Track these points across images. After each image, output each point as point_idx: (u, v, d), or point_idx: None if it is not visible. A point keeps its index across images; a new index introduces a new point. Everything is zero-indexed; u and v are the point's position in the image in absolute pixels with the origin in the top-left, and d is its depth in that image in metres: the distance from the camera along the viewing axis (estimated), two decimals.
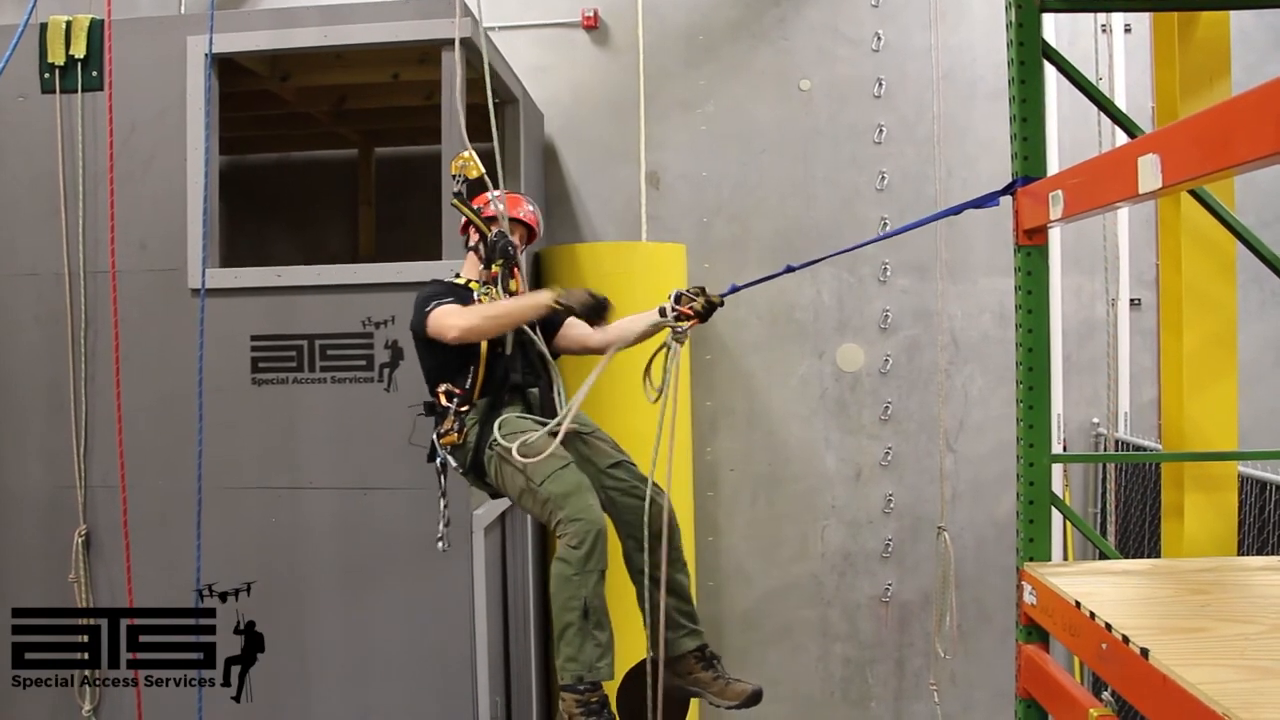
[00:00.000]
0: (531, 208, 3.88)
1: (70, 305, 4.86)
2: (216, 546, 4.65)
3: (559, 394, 3.63)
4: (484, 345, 3.58)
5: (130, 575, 4.62)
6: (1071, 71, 3.07)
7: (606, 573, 3.33)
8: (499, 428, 3.49)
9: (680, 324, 3.34)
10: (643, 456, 3.52)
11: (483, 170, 3.71)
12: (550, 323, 3.75)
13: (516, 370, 3.62)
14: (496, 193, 3.72)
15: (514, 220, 3.78)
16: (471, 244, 3.77)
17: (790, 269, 3.59)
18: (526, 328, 3.62)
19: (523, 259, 3.81)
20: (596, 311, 3.41)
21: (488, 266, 3.68)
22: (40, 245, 4.89)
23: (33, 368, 4.93)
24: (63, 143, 4.85)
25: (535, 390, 3.64)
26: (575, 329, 3.76)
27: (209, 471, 4.55)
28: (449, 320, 3.45)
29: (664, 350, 3.38)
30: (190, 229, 4.78)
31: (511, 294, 3.63)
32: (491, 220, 3.70)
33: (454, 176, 3.77)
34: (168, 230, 4.83)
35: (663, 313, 3.38)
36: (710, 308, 3.35)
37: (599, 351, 3.70)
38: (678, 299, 3.35)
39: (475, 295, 3.66)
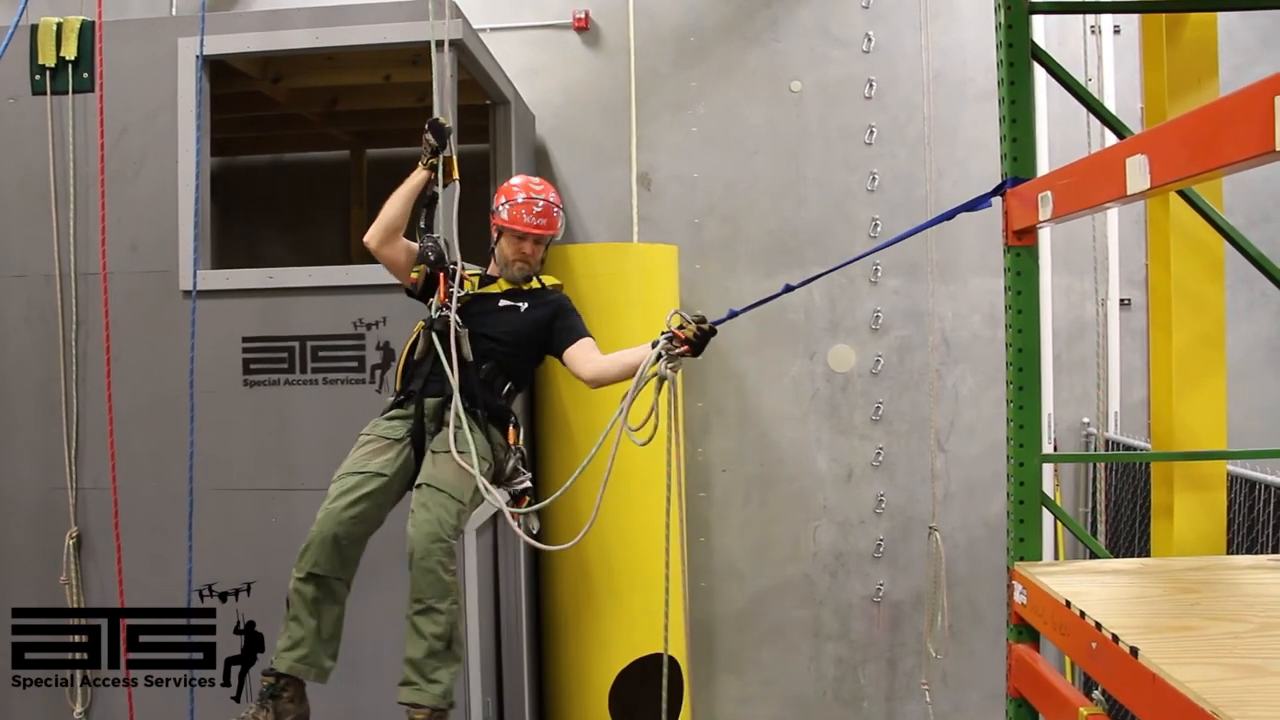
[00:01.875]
0: (545, 209, 3.81)
1: (61, 307, 4.85)
2: (208, 548, 4.64)
3: (455, 412, 3.47)
4: (403, 352, 3.73)
5: (122, 577, 4.60)
6: (1061, 73, 3.09)
7: (320, 579, 3.42)
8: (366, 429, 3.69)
9: (674, 346, 3.17)
10: (623, 488, 3.48)
11: (455, 178, 3.77)
12: (554, 340, 3.79)
13: (419, 378, 3.67)
14: (513, 189, 3.79)
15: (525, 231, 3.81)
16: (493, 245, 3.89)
17: (789, 288, 3.47)
18: (435, 340, 3.60)
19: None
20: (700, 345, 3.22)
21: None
22: (31, 247, 4.88)
23: (23, 369, 4.92)
24: (53, 144, 4.84)
25: (435, 400, 3.64)
26: (577, 353, 3.74)
27: (200, 473, 4.54)
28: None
29: (655, 381, 3.20)
30: (182, 230, 4.77)
31: (444, 300, 3.67)
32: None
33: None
34: (159, 232, 4.82)
35: (655, 344, 3.24)
36: (702, 336, 3.19)
37: (589, 384, 3.69)
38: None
39: (458, 276, 3.75)
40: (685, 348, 3.18)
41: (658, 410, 3.24)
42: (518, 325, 3.79)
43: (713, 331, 3.23)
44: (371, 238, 3.77)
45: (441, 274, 3.70)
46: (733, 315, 3.39)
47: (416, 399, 3.64)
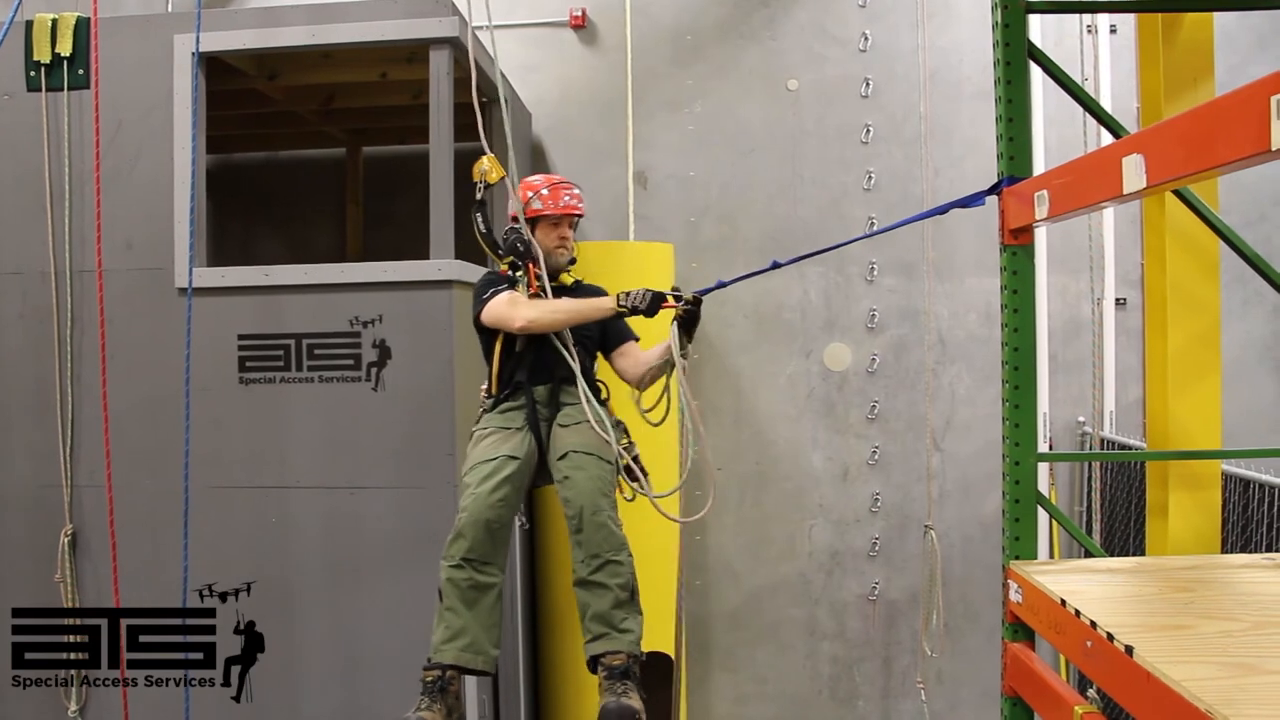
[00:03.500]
0: (576, 192, 3.87)
1: (56, 304, 4.84)
2: (203, 546, 4.64)
3: (583, 391, 3.61)
4: (498, 344, 3.69)
5: (117, 575, 4.60)
6: (1057, 72, 3.09)
7: (476, 564, 3.36)
8: (475, 423, 3.68)
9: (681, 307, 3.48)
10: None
11: (504, 172, 3.76)
12: (609, 338, 3.83)
13: (525, 368, 3.68)
14: (535, 184, 3.81)
15: (561, 214, 3.81)
16: (526, 240, 3.83)
17: (776, 265, 3.60)
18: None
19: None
20: (654, 309, 3.46)
21: (511, 266, 3.79)
22: (26, 244, 4.87)
23: (18, 367, 4.91)
24: (48, 141, 4.83)
25: (544, 387, 3.68)
26: (631, 351, 3.84)
27: (196, 471, 4.53)
28: (515, 310, 3.57)
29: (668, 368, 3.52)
30: (177, 228, 4.76)
31: (536, 290, 3.69)
32: (516, 220, 3.78)
33: (475, 183, 3.81)
34: (154, 229, 4.82)
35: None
36: (685, 303, 3.46)
37: (635, 383, 3.81)
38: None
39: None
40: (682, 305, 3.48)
41: (669, 393, 3.56)
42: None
43: (693, 300, 3.50)
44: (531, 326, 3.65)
45: (530, 263, 3.73)
46: (721, 285, 3.65)
47: (525, 389, 3.67)
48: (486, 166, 3.79)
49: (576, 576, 3.44)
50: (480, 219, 3.85)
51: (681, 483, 3.80)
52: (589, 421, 3.56)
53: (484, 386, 3.80)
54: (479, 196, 3.82)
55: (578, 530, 3.41)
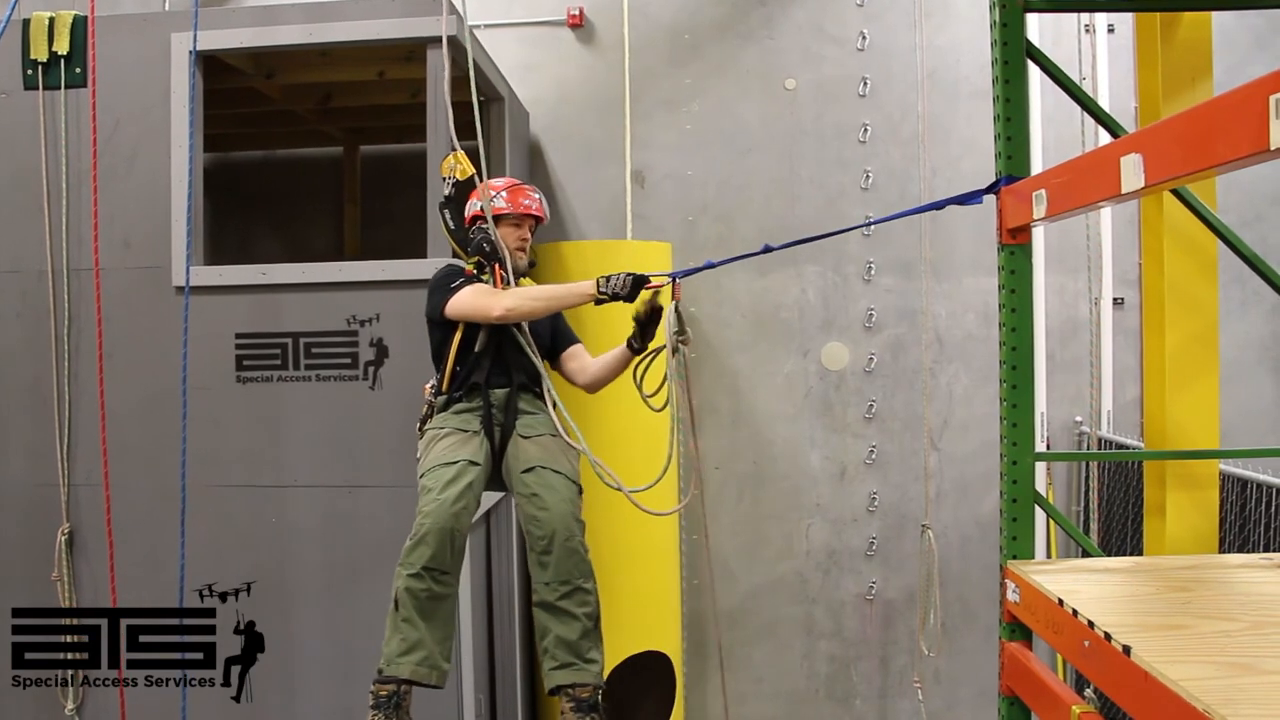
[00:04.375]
0: (536, 196, 3.87)
1: (53, 302, 4.83)
2: (201, 545, 4.63)
3: (550, 396, 3.63)
4: (455, 340, 3.65)
5: (114, 574, 4.60)
6: (1055, 71, 3.09)
7: (436, 574, 3.30)
8: (426, 421, 3.69)
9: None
10: (624, 459, 3.54)
11: (472, 169, 3.74)
12: (558, 341, 3.83)
13: (482, 369, 3.65)
14: (497, 185, 3.77)
15: (521, 215, 3.80)
16: (483, 242, 3.82)
17: (768, 248, 3.55)
18: (515, 328, 3.63)
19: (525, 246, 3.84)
20: (634, 294, 3.44)
21: (477, 266, 3.77)
22: (23, 242, 4.86)
23: (15, 365, 4.91)
24: (46, 140, 4.82)
25: (502, 391, 3.64)
26: (579, 353, 3.84)
27: (193, 470, 4.53)
28: (493, 299, 3.53)
29: (665, 352, 3.49)
30: (174, 226, 4.76)
31: (502, 289, 3.67)
32: (478, 219, 3.75)
33: (444, 179, 3.80)
34: (152, 228, 4.81)
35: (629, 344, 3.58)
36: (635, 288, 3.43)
37: (587, 388, 3.80)
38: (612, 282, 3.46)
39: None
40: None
41: (672, 375, 3.49)
42: (544, 320, 3.82)
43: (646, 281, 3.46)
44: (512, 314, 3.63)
45: (496, 264, 3.72)
46: (710, 266, 3.62)
47: (482, 391, 3.63)
48: (454, 163, 3.78)
49: (541, 599, 3.42)
50: (448, 215, 3.85)
51: (663, 474, 3.63)
52: (550, 434, 3.57)
53: (430, 384, 3.75)
54: (447, 193, 3.81)
55: (546, 552, 3.39)
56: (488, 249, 3.72)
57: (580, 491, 3.55)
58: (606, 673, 3.66)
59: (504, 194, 3.79)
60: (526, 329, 3.66)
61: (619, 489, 3.53)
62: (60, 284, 4.83)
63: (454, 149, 3.79)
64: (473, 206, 3.86)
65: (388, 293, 4.71)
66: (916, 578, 6.46)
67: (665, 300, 3.53)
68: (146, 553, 4.74)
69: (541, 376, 3.66)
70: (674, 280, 3.50)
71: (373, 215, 6.83)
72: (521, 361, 3.66)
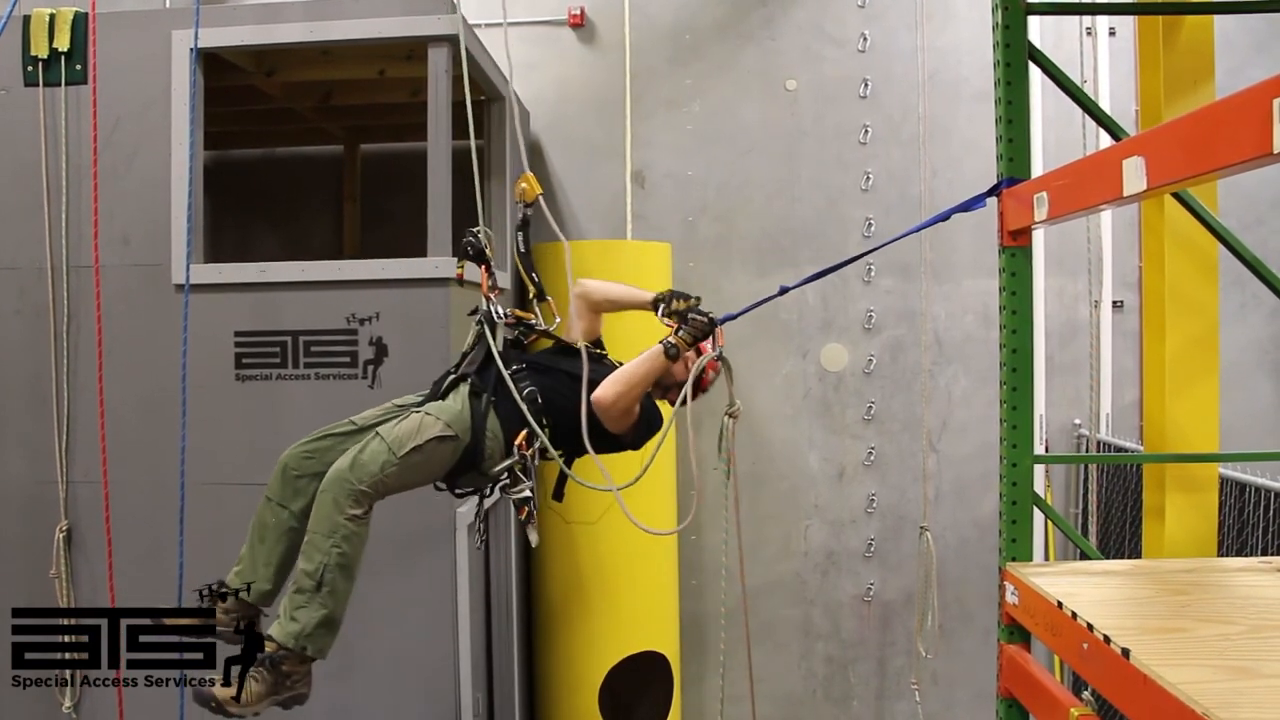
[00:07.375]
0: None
1: (53, 300, 4.82)
2: (200, 543, 4.62)
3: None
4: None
5: (112, 571, 4.59)
6: (1057, 74, 3.09)
7: (272, 504, 3.57)
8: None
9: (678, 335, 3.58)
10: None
11: (540, 189, 3.73)
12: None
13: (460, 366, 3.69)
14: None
15: None
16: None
17: (784, 290, 3.60)
18: (487, 331, 3.62)
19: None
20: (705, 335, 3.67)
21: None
22: (23, 239, 4.86)
23: (14, 362, 4.90)
24: (46, 137, 4.81)
25: (451, 378, 3.67)
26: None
27: (192, 468, 4.52)
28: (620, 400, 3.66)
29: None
30: (174, 224, 4.75)
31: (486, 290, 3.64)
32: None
33: (517, 203, 3.76)
34: (151, 225, 4.81)
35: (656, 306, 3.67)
36: (700, 322, 3.61)
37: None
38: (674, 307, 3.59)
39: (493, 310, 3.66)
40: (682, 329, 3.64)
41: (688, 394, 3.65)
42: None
43: (711, 320, 3.69)
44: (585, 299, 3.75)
45: (483, 267, 3.70)
46: (729, 319, 3.73)
47: (456, 383, 3.64)
48: (524, 186, 3.73)
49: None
50: (521, 239, 3.82)
51: (644, 471, 3.69)
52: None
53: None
54: (522, 215, 3.78)
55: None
56: (472, 254, 3.67)
57: (388, 463, 3.41)
58: (605, 672, 3.66)
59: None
60: (487, 333, 3.63)
61: (609, 489, 3.54)
62: (60, 281, 4.83)
63: (523, 169, 3.74)
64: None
65: (387, 291, 4.71)
66: (914, 579, 6.46)
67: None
68: (145, 550, 4.73)
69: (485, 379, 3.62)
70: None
71: (372, 214, 6.82)
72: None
